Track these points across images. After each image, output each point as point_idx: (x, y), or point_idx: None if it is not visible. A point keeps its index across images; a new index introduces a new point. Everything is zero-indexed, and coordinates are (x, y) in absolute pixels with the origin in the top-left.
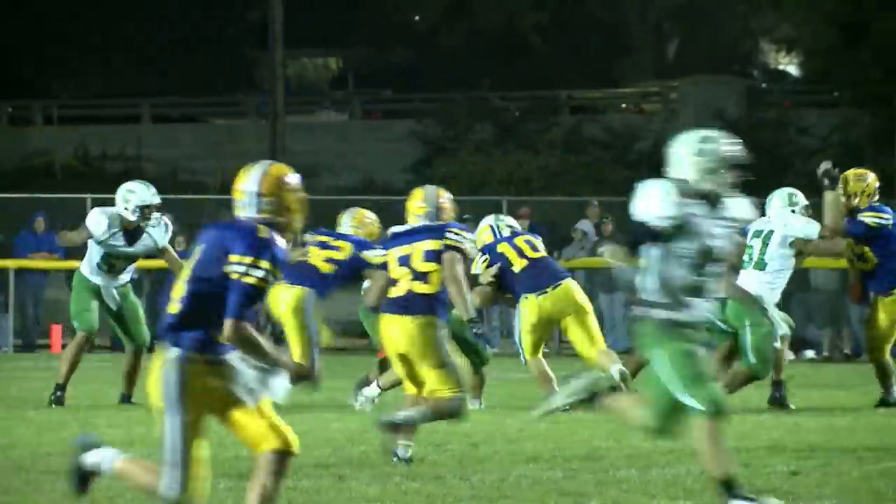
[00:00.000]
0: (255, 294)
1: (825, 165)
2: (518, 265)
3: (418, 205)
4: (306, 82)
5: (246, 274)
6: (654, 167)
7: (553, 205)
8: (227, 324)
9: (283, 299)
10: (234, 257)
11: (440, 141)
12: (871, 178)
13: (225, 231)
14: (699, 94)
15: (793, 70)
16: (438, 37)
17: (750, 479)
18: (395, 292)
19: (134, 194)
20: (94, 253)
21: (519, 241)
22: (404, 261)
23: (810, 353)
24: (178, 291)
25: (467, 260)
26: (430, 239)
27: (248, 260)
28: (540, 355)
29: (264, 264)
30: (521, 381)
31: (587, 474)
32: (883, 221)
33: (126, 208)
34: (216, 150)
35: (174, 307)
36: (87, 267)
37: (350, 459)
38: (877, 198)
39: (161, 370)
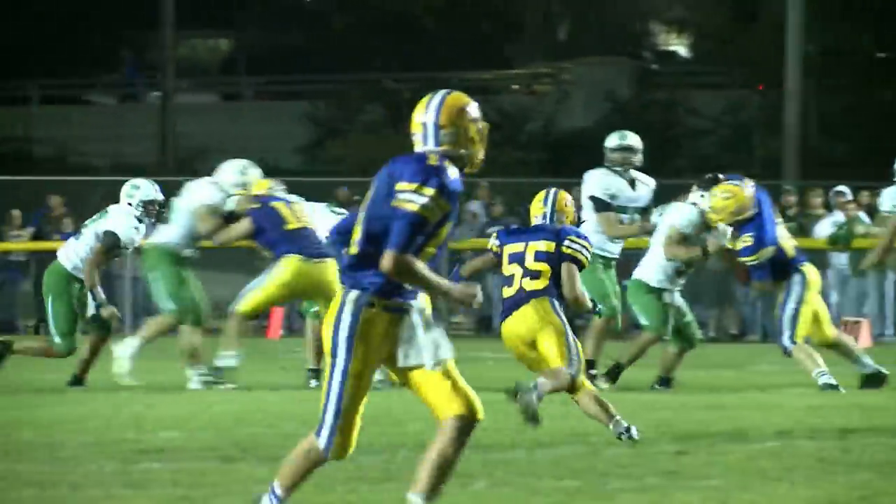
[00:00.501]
0: (420, 223)
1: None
2: None
3: (538, 205)
4: (197, 63)
5: (409, 201)
6: (545, 148)
7: None
8: (387, 255)
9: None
10: (399, 185)
11: (331, 122)
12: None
13: (395, 164)
14: (590, 75)
15: (682, 51)
16: (330, 18)
17: (635, 459)
18: (507, 293)
19: (139, 190)
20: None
21: None
22: (516, 258)
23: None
24: (356, 233)
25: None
26: (543, 240)
27: (412, 186)
28: None
29: (428, 191)
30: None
31: (474, 455)
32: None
33: (130, 203)
34: (106, 132)
35: (353, 248)
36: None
37: (237, 442)
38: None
39: (336, 311)
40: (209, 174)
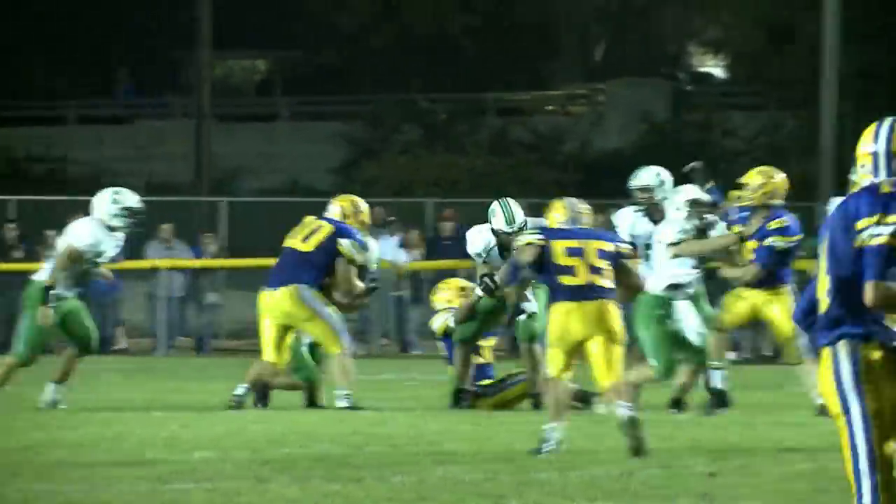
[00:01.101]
0: (889, 252)
1: (693, 165)
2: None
3: (557, 216)
4: (233, 84)
5: (874, 235)
6: (581, 169)
7: (480, 207)
8: (867, 287)
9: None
10: (858, 224)
11: (367, 142)
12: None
13: (845, 203)
14: (626, 96)
15: (718, 72)
16: (367, 38)
17: (668, 480)
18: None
19: (122, 195)
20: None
21: None
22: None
23: (732, 355)
24: (822, 285)
25: None
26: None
27: (873, 220)
28: None
29: (892, 219)
30: (443, 382)
31: (506, 476)
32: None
33: (113, 213)
34: (141, 152)
35: (823, 305)
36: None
37: (270, 461)
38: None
39: (830, 369)
40: (245, 194)
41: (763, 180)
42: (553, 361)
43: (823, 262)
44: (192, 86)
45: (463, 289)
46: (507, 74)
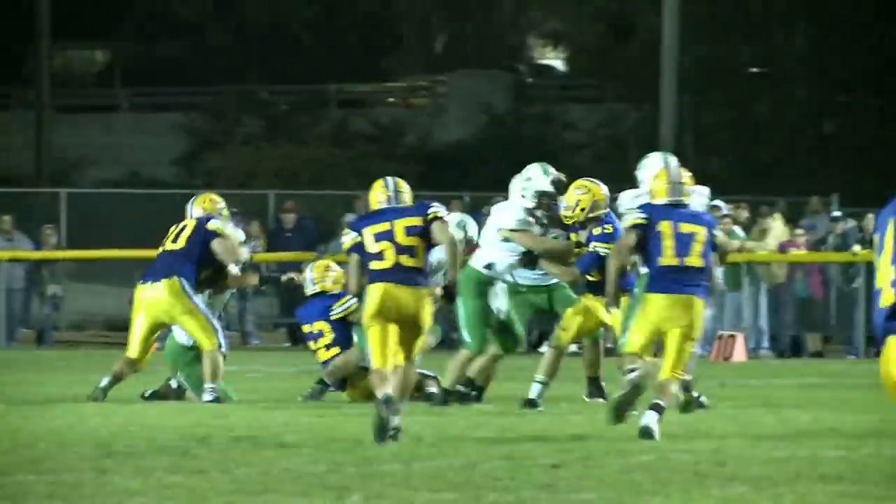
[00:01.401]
0: None
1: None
2: None
3: (378, 196)
4: (73, 75)
5: None
6: (422, 161)
7: (321, 198)
8: None
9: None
10: None
11: (208, 134)
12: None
13: None
14: (466, 88)
15: (558, 65)
16: (206, 30)
17: (511, 472)
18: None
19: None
20: None
21: None
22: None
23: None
24: (885, 276)
25: None
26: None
27: None
28: None
29: None
30: (285, 375)
31: (350, 468)
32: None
33: None
34: None
35: (888, 294)
36: None
37: (112, 453)
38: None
39: None
40: (86, 186)
41: (578, 197)
42: (370, 342)
43: (888, 254)
44: (32, 77)
45: (328, 267)
46: (348, 66)
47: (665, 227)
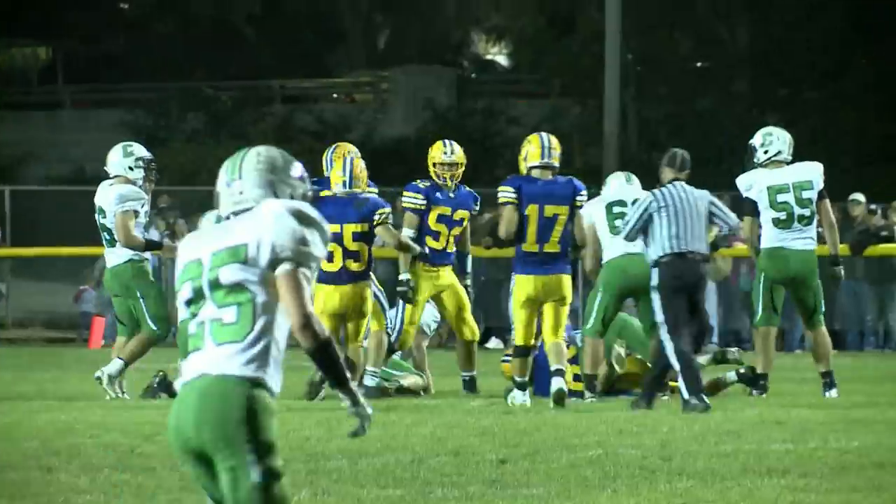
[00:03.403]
0: None
1: None
2: None
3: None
4: (16, 72)
5: None
6: (366, 156)
7: None
8: None
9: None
10: None
11: (152, 130)
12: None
13: None
14: (410, 83)
15: (502, 60)
16: (149, 26)
17: (459, 467)
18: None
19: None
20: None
21: None
22: None
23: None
24: None
25: None
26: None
27: None
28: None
29: None
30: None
31: (298, 464)
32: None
33: (130, 167)
34: None
35: None
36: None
37: (58, 451)
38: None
39: None
40: (31, 182)
41: None
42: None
43: None
44: None
45: None
46: (292, 62)
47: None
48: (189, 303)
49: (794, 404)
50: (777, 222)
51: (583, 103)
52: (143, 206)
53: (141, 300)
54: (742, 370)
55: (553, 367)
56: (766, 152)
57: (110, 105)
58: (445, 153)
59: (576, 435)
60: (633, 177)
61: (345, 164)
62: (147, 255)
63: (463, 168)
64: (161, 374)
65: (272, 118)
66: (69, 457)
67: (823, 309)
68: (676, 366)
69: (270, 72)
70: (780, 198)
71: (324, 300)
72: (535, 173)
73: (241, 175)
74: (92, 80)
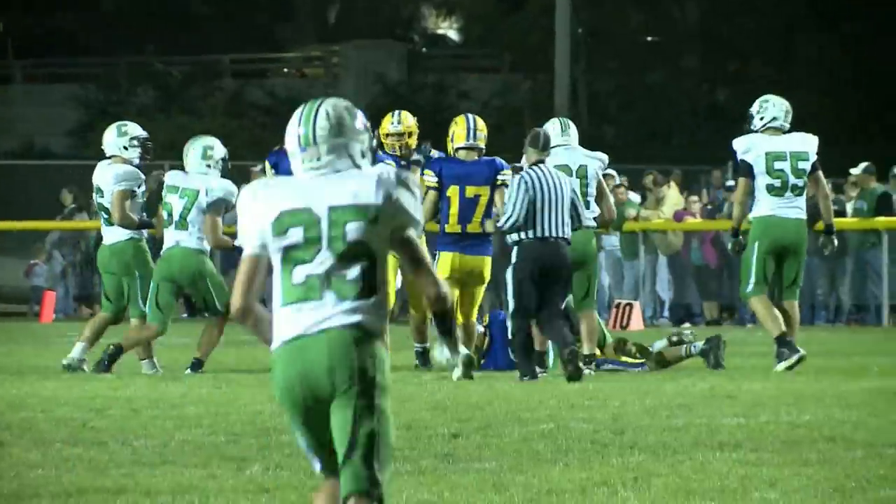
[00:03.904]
0: None
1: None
2: None
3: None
4: None
5: None
6: None
7: None
8: None
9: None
10: None
11: (102, 105)
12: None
13: None
14: (360, 58)
15: (453, 35)
16: (99, 1)
17: (411, 441)
18: None
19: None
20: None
21: None
22: None
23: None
24: None
25: None
26: None
27: None
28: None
29: None
30: (182, 346)
31: (250, 439)
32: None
33: (125, 146)
34: None
35: None
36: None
37: (10, 425)
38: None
39: None
40: None
41: None
42: None
43: None
44: None
45: None
46: (242, 37)
47: None
48: (291, 248)
49: (746, 378)
50: (770, 189)
51: (533, 77)
52: (139, 187)
53: (137, 280)
54: (702, 344)
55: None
56: (761, 119)
57: (60, 80)
58: (392, 123)
59: (527, 409)
60: (571, 124)
61: None
62: (144, 233)
63: (414, 137)
64: (112, 347)
65: (222, 93)
66: (21, 431)
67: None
68: (515, 345)
69: (221, 46)
70: (777, 165)
71: None
72: (461, 154)
73: (315, 140)
74: (42, 54)
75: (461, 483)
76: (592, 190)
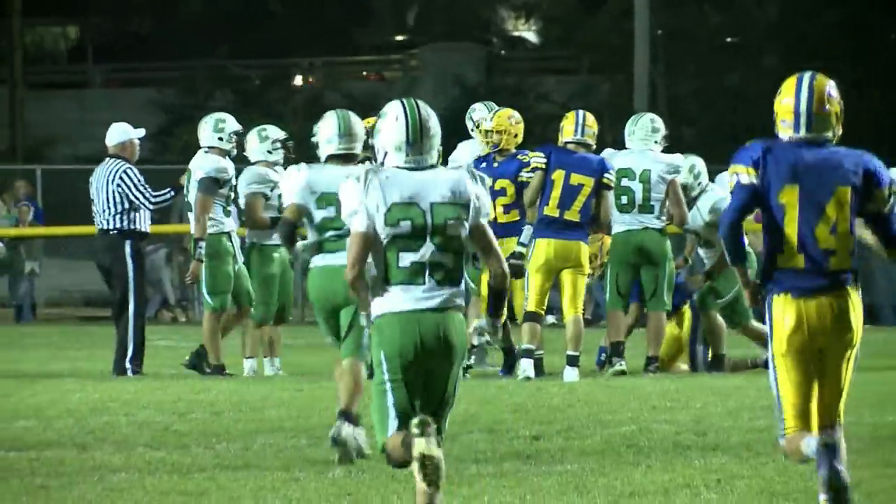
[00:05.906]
0: None
1: None
2: None
3: None
4: (44, 52)
5: None
6: None
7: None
8: None
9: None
10: None
11: (180, 109)
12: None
13: None
14: (439, 61)
15: (531, 37)
16: (177, 5)
17: (493, 445)
18: None
19: (226, 122)
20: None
21: None
22: None
23: (551, 318)
24: None
25: None
26: None
27: None
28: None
29: None
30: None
31: (330, 442)
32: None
33: (221, 138)
34: None
35: None
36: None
37: (93, 429)
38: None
39: None
40: (59, 162)
41: None
42: None
43: None
44: (3, 54)
45: None
46: (319, 40)
47: None
48: (399, 237)
49: None
50: None
51: (612, 79)
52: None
53: (205, 270)
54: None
55: (568, 353)
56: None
57: (139, 84)
58: (486, 120)
59: (609, 411)
60: (659, 121)
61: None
62: (227, 229)
63: (506, 136)
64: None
65: (301, 95)
66: (103, 435)
67: None
68: None
69: (298, 49)
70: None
71: None
72: (570, 148)
73: (421, 137)
74: (120, 59)
75: (543, 485)
76: (657, 194)
